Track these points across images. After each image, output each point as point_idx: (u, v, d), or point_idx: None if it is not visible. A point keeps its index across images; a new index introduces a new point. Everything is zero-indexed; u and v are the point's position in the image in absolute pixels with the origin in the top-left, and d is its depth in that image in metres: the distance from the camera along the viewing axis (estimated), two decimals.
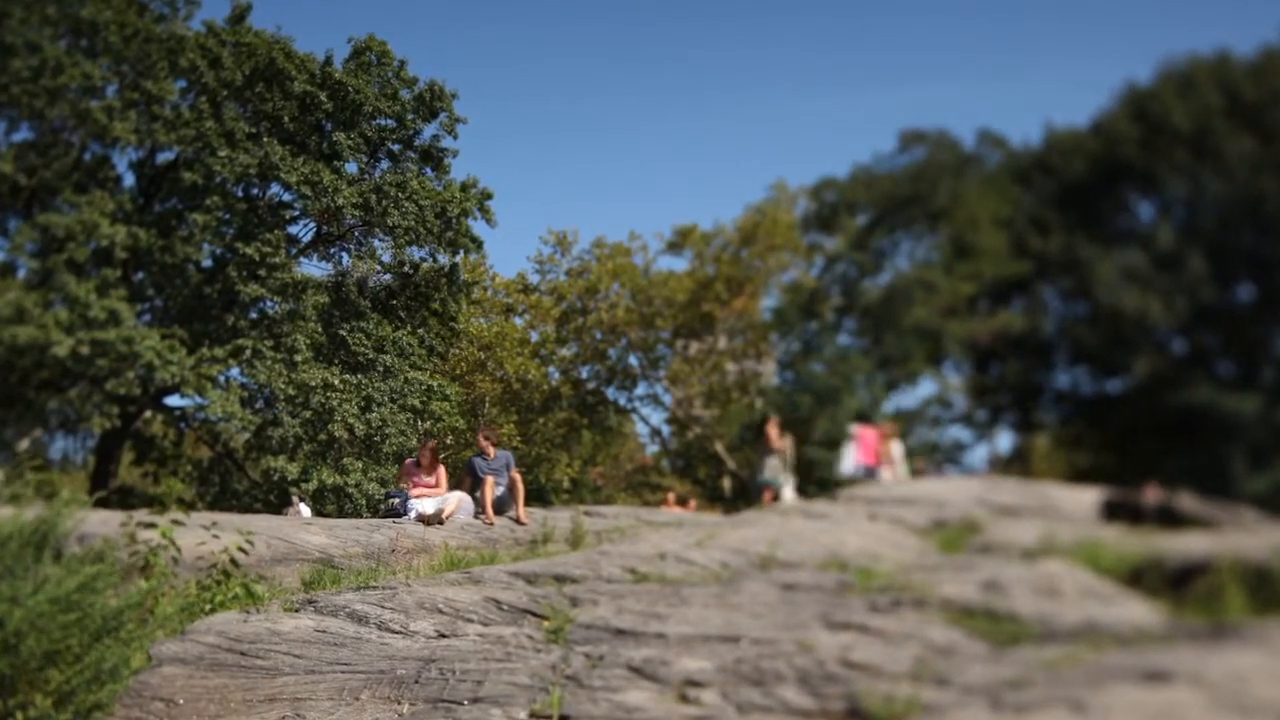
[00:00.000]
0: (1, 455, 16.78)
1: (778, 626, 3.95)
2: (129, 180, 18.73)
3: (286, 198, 18.59)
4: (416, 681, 4.08)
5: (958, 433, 21.77)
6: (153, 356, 15.82)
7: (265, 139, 17.77)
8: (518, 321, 23.80)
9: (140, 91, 17.11)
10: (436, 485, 10.27)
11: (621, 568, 5.66)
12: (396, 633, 4.83)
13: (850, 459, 13.18)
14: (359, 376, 17.52)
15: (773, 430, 12.86)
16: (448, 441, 18.38)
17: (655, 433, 30.05)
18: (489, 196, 19.62)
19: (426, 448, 10.46)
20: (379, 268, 19.31)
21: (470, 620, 4.87)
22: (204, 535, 6.57)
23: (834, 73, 65.68)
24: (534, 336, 24.31)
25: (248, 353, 17.10)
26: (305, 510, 14.12)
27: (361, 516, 14.22)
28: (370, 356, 17.77)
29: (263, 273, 17.33)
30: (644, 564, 5.72)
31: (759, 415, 25.89)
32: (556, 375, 25.35)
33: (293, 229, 19.11)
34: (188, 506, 7.40)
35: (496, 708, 3.69)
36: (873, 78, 62.49)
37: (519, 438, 21.21)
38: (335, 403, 16.94)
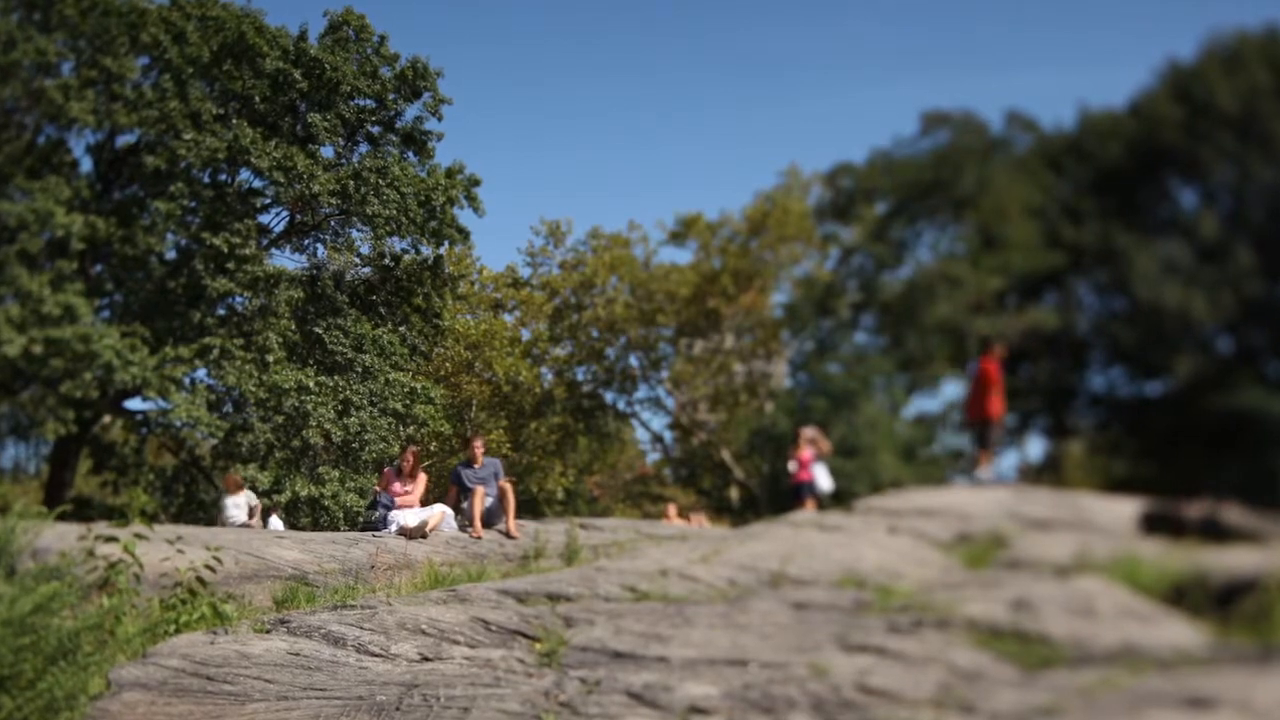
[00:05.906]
0: None
1: (789, 649, 3.96)
2: (86, 165, 18.78)
3: (257, 184, 18.62)
4: (398, 708, 4.09)
5: None
6: (112, 356, 15.83)
7: (234, 121, 17.78)
8: (507, 318, 23.82)
9: (99, 69, 17.12)
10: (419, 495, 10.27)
11: (620, 585, 5.67)
12: (376, 655, 4.84)
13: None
14: (336, 378, 17.54)
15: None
16: (431, 448, 18.41)
17: (657, 439, 30.10)
18: (476, 183, 19.68)
19: (408, 455, 10.47)
20: (357, 260, 19.35)
21: (456, 642, 4.87)
22: (168, 550, 6.58)
23: (846, 57, 65.76)
24: (525, 335, 24.34)
25: (215, 352, 17.11)
26: (276, 523, 14.14)
27: (339, 529, 14.25)
28: (348, 356, 17.79)
29: (231, 265, 17.34)
30: (644, 581, 5.73)
31: (767, 420, 25.93)
32: (550, 376, 25.41)
33: (264, 218, 19.15)
34: (151, 519, 7.42)
35: None
36: (888, 64, 62.57)
37: (509, 444, 21.24)
38: (310, 406, 16.95)
